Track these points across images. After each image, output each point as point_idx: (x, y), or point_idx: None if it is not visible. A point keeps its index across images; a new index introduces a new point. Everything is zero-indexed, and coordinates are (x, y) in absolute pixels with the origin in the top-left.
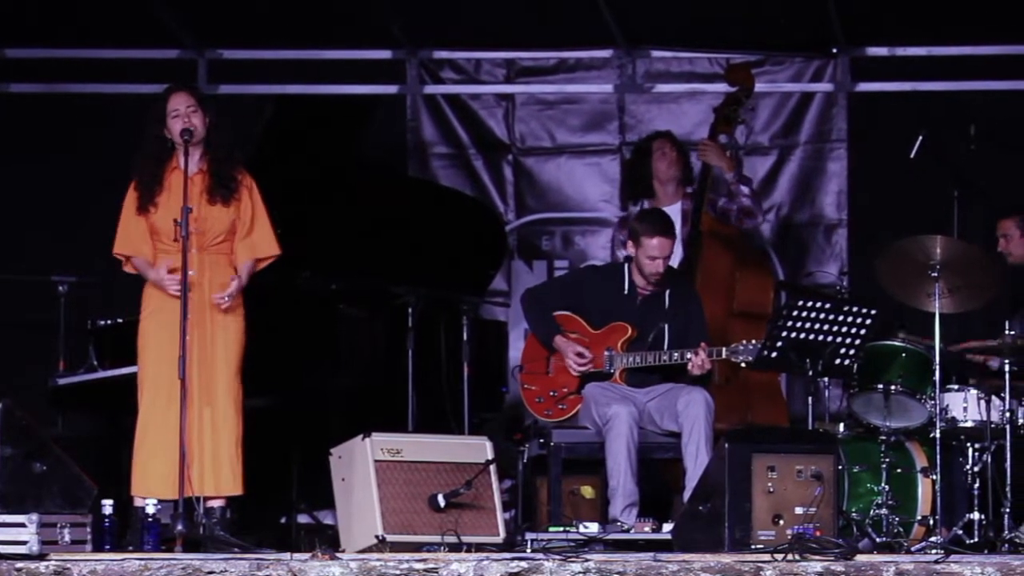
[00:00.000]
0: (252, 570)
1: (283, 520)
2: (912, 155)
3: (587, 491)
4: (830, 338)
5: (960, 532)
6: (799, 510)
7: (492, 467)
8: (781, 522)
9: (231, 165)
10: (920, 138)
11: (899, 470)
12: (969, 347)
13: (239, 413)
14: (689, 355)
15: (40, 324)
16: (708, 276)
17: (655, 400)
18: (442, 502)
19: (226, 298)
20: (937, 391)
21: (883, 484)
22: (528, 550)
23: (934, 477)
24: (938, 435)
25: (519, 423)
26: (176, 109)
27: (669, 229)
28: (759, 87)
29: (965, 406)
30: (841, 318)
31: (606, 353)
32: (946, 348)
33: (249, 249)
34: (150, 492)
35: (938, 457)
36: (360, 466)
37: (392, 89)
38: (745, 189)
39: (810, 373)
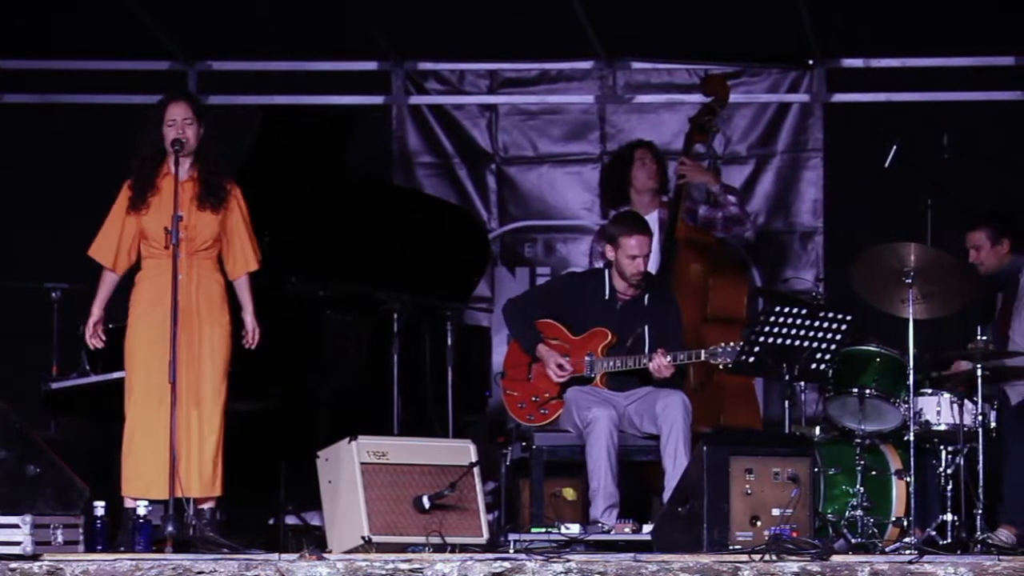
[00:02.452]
0: (241, 570)
1: (271, 521)
2: (887, 164)
3: (569, 493)
4: (806, 343)
5: (933, 533)
6: (776, 511)
7: (476, 469)
8: (758, 523)
9: (220, 175)
10: (895, 148)
11: (874, 472)
12: (950, 374)
13: (223, 416)
14: (644, 361)
15: (33, 330)
16: (683, 283)
17: (634, 403)
18: (427, 504)
19: (252, 338)
20: (911, 395)
21: (858, 486)
22: (511, 551)
23: (908, 479)
24: (912, 438)
25: (502, 426)
26: (173, 119)
27: (645, 227)
28: (737, 98)
29: (938, 410)
30: (817, 323)
31: (587, 358)
32: (930, 374)
33: (236, 267)
34: (138, 493)
35: (912, 460)
36: (346, 468)
37: (378, 100)
38: (732, 199)
39: (786, 377)
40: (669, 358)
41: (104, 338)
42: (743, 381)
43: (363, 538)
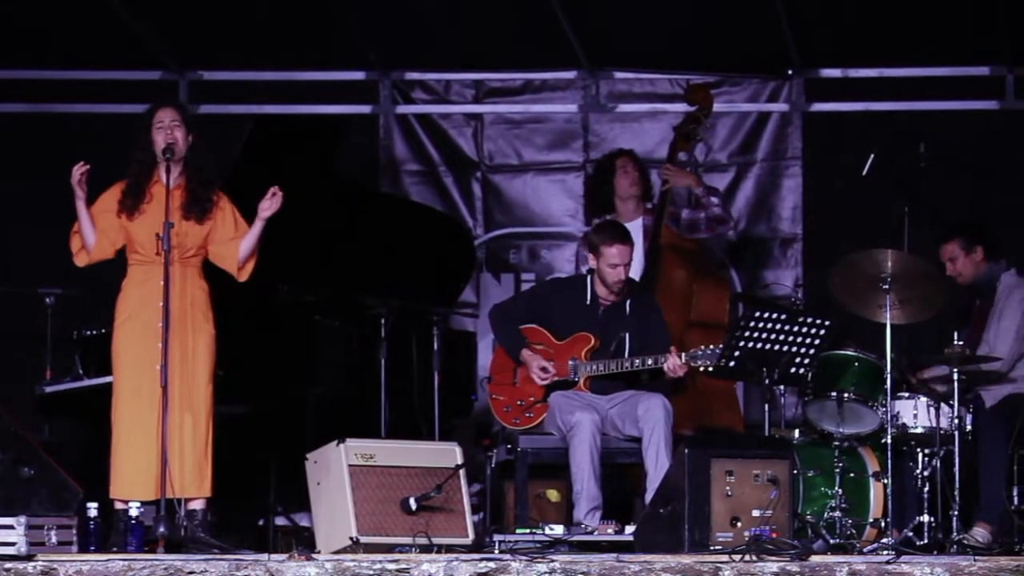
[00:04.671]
0: (231, 570)
1: (261, 522)
2: (864, 172)
3: (552, 495)
4: (786, 347)
5: (910, 534)
6: (756, 513)
7: (461, 472)
8: (739, 524)
9: (208, 185)
10: (872, 156)
11: (852, 474)
12: (925, 377)
13: (210, 418)
14: (649, 362)
15: (28, 334)
16: (666, 288)
17: (617, 407)
18: (413, 505)
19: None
20: (888, 399)
21: (836, 488)
22: (496, 551)
23: (885, 481)
24: (889, 441)
25: (487, 429)
26: (161, 121)
27: (626, 237)
28: (718, 107)
29: (915, 413)
30: (796, 328)
31: (570, 362)
32: (905, 376)
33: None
34: (129, 494)
35: (889, 462)
36: (335, 470)
37: (365, 109)
38: (715, 199)
39: (766, 381)
40: (686, 357)
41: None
42: (725, 384)
43: (351, 539)
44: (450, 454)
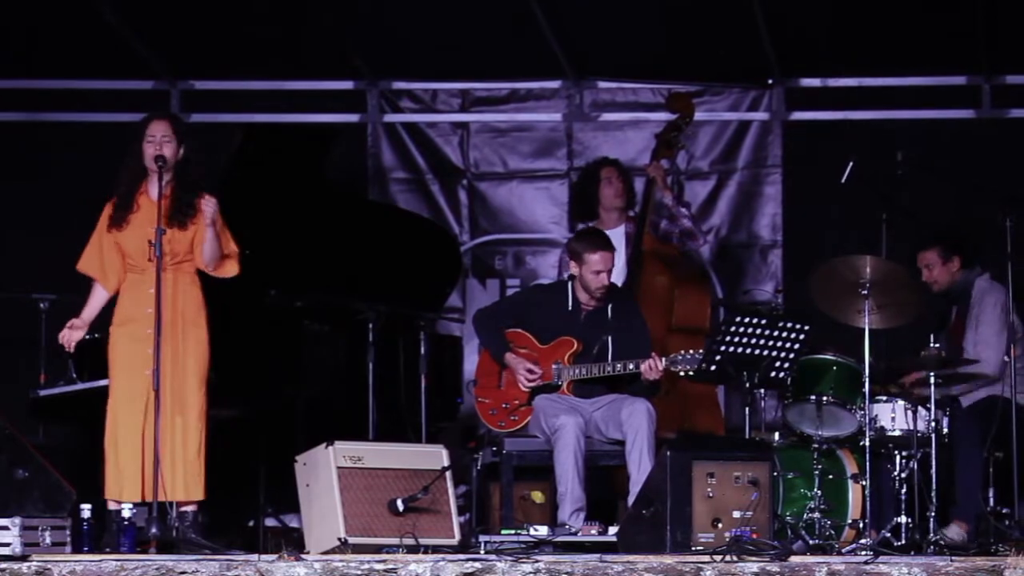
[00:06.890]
0: (222, 570)
1: (251, 523)
2: (843, 180)
3: (537, 496)
4: (766, 352)
5: (888, 535)
6: (737, 514)
7: (448, 474)
8: (720, 525)
9: (193, 194)
10: (851, 164)
11: (831, 476)
12: (910, 378)
13: (204, 421)
14: (631, 365)
15: (22, 339)
16: (648, 293)
17: (600, 410)
18: (401, 506)
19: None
20: (867, 402)
21: (816, 489)
22: (482, 552)
23: (864, 483)
24: (867, 443)
25: (473, 432)
26: (152, 135)
27: (608, 244)
28: (700, 116)
29: (893, 416)
30: (776, 333)
31: (554, 366)
32: (886, 374)
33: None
34: (122, 496)
35: (867, 464)
36: (324, 472)
37: (354, 118)
38: (685, 211)
39: (747, 385)
40: (666, 362)
41: (72, 349)
42: (706, 388)
43: (339, 539)
44: (437, 456)
